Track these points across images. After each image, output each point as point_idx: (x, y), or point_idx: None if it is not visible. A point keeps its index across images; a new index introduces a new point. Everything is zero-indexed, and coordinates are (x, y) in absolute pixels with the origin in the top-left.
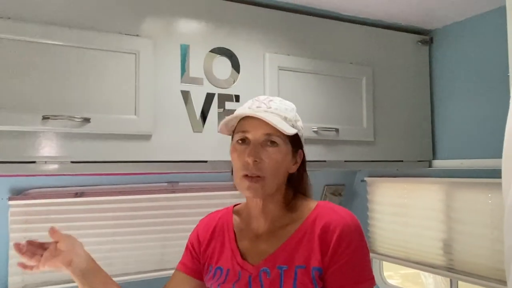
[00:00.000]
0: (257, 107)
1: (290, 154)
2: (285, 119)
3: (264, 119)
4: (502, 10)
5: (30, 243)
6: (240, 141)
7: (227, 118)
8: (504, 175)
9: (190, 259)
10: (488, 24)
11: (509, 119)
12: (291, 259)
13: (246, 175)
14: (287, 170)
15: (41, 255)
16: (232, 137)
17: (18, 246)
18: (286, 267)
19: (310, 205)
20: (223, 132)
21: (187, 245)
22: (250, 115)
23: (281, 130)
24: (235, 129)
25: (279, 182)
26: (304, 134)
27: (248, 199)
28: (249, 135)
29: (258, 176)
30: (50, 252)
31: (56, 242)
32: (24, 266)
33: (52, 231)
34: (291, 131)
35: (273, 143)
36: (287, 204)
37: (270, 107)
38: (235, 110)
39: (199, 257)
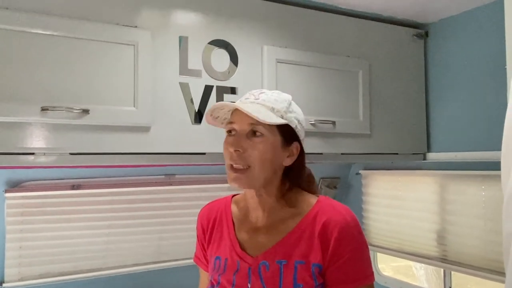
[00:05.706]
0: (246, 98)
1: (280, 145)
2: (273, 110)
3: (240, 109)
4: (497, 4)
5: None
6: (228, 133)
7: (209, 109)
8: (504, 164)
9: (201, 251)
10: (484, 18)
11: (509, 110)
12: (291, 254)
13: (232, 166)
14: (280, 162)
15: None
16: None
17: None
18: (285, 262)
19: (311, 200)
20: (217, 125)
21: (197, 237)
22: (226, 106)
23: (256, 118)
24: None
25: (268, 174)
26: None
27: (245, 191)
28: (236, 126)
29: (243, 168)
30: None
31: None
32: None
33: None
34: (272, 120)
35: (257, 133)
36: (283, 197)
37: (258, 98)
38: (234, 102)
39: (206, 248)
